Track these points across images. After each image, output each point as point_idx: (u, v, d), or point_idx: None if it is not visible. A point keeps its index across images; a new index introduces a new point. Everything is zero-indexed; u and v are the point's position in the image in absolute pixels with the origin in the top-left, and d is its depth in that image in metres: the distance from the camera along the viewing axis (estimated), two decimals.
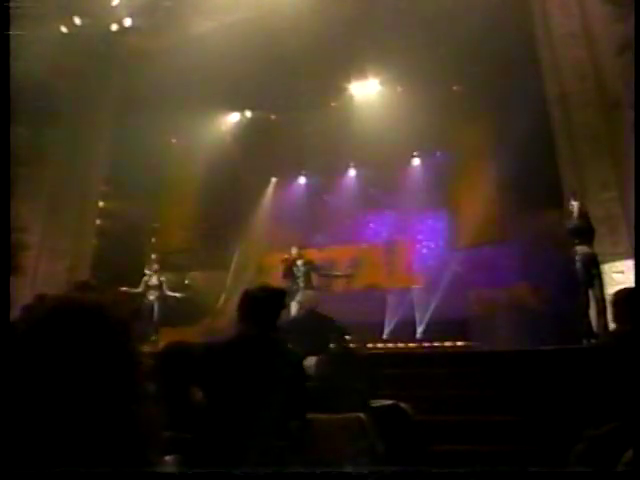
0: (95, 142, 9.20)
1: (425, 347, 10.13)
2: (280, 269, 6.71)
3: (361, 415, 2.59)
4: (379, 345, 10.38)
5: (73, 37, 8.02)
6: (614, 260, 5.83)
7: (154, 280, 8.24)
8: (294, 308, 6.23)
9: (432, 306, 10.03)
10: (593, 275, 5.05)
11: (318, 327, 4.31)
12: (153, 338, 7.52)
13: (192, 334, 10.09)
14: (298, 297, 6.27)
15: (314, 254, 11.01)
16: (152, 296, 8.01)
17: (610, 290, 5.87)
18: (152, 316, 7.88)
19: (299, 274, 6.38)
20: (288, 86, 8.60)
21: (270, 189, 11.70)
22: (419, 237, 11.32)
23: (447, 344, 10.13)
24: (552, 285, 7.95)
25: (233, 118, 10.53)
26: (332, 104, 9.76)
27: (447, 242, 10.78)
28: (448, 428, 4.28)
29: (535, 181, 8.31)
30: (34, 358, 0.96)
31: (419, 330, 10.21)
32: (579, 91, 6.59)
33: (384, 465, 2.70)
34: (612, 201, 6.04)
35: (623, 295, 3.00)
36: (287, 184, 11.77)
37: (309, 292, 5.04)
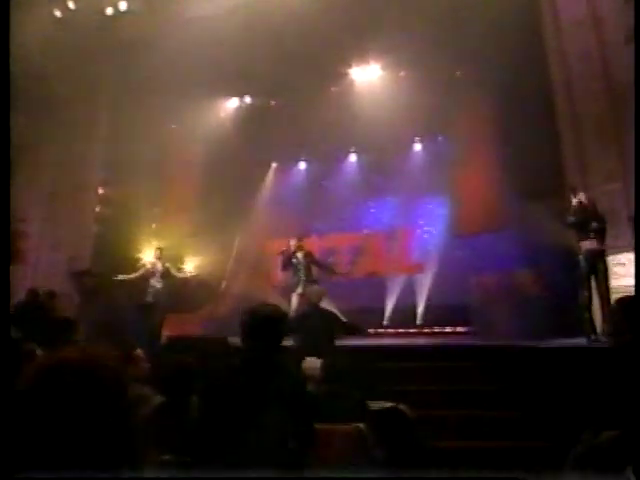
0: (93, 128, 9.10)
1: (425, 332, 10.23)
2: (279, 261, 6.63)
3: (360, 425, 2.60)
4: (380, 330, 10.48)
5: (68, 22, 7.84)
6: (616, 253, 5.79)
7: (159, 267, 7.75)
8: (294, 300, 6.24)
9: (432, 292, 10.04)
10: (597, 270, 5.01)
11: (322, 326, 4.30)
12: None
13: (195, 320, 10.18)
14: (299, 289, 6.27)
15: (314, 242, 11.02)
16: (159, 284, 7.57)
17: (612, 282, 5.87)
18: (158, 306, 7.45)
19: (299, 266, 6.36)
20: (288, 71, 8.43)
21: (270, 174, 11.61)
22: (420, 222, 11.28)
23: (447, 330, 10.23)
24: (553, 273, 7.92)
25: (232, 104, 10.37)
26: (332, 89, 9.58)
27: (448, 227, 10.73)
28: (445, 423, 4.31)
29: (538, 168, 8.23)
30: (29, 418, 0.97)
31: (419, 316, 10.26)
32: (585, 78, 6.46)
33: (383, 474, 2.73)
34: (615, 193, 5.97)
35: (622, 305, 2.97)
36: (287, 169, 11.67)
37: (315, 287, 5.00)
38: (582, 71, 6.51)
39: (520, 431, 4.22)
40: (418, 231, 11.21)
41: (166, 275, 7.72)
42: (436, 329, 10.20)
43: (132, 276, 7.79)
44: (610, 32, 6.17)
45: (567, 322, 6.69)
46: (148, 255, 10.38)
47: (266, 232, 11.32)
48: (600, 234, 5.08)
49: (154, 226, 10.97)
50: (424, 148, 10.81)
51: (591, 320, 4.95)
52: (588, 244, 5.10)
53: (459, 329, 9.96)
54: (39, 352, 4.38)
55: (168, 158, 9.95)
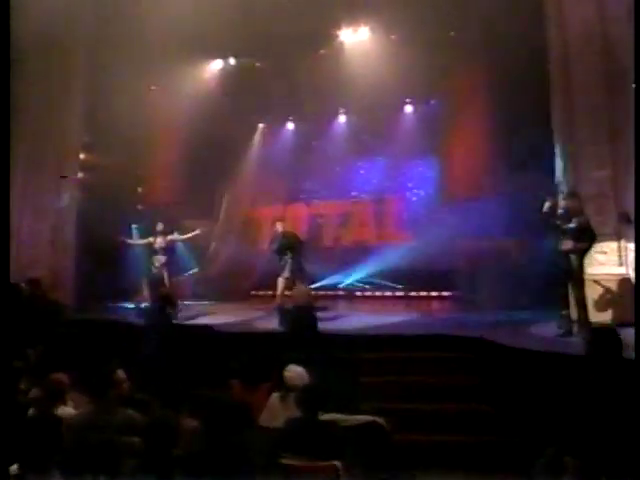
0: (70, 92, 8.67)
1: (411, 296, 10.45)
2: (272, 247, 6.55)
3: (335, 463, 2.70)
4: (367, 294, 10.71)
5: None
6: (599, 240, 5.80)
7: (160, 241, 7.25)
8: (280, 284, 6.28)
9: (419, 256, 10.11)
10: (572, 271, 5.03)
11: (304, 328, 4.34)
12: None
13: (185, 282, 10.27)
14: (285, 273, 6.29)
15: (302, 209, 10.97)
16: (158, 263, 7.16)
17: (592, 270, 5.95)
18: (164, 284, 7.01)
19: (286, 251, 6.33)
20: (273, 34, 7.99)
21: (257, 135, 11.31)
22: (409, 185, 11.20)
23: (433, 294, 10.47)
24: (539, 243, 7.97)
25: (216, 65, 9.88)
26: (321, 51, 9.13)
27: (437, 192, 10.67)
28: (419, 417, 4.47)
29: (530, 138, 8.09)
30: None
31: (406, 280, 10.43)
32: (583, 54, 6.19)
33: None
34: (604, 179, 5.90)
35: (596, 336, 3.02)
36: (275, 130, 11.37)
37: (301, 288, 5.02)
38: (581, 45, 6.21)
39: (492, 427, 4.40)
40: (407, 193, 11.15)
41: (170, 250, 7.36)
42: (422, 293, 10.44)
43: (139, 242, 7.58)
44: (612, 6, 5.85)
45: (550, 292, 6.82)
46: (134, 219, 10.32)
47: (253, 195, 11.21)
48: (577, 234, 5.01)
49: (140, 189, 10.80)
50: (415, 110, 10.52)
51: (569, 319, 5.04)
52: (564, 244, 5.09)
53: (444, 293, 10.20)
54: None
55: (151, 121, 9.59)
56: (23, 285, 5.65)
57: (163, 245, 7.20)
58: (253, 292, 10.70)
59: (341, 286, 10.66)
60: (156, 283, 7.00)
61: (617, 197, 5.79)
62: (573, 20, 6.35)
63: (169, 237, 7.32)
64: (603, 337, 2.99)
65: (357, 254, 10.38)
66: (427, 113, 10.31)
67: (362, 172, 11.40)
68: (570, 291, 5.11)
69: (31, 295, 5.48)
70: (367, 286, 10.66)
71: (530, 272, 7.77)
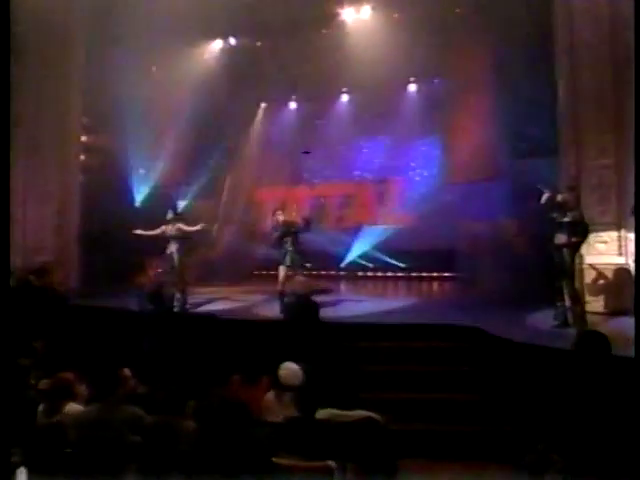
0: (70, 74, 8.60)
1: (412, 277, 10.54)
2: (274, 235, 6.55)
3: (329, 462, 2.80)
4: (369, 274, 10.82)
5: None
6: (600, 230, 5.82)
7: (170, 229, 7.13)
8: (282, 273, 6.34)
9: (421, 237, 10.13)
10: (564, 264, 5.03)
11: (305, 321, 4.40)
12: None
13: (188, 264, 10.36)
14: (286, 261, 6.34)
15: (305, 192, 10.96)
16: (174, 247, 7.08)
17: (591, 259, 5.97)
18: (174, 270, 7.00)
19: (286, 239, 6.35)
20: (274, 12, 7.82)
21: (260, 115, 11.22)
22: (412, 165, 11.13)
23: (434, 274, 10.54)
24: (541, 227, 7.97)
25: (216, 45, 9.71)
26: (323, 31, 8.94)
27: (440, 173, 10.61)
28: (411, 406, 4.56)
29: (535, 120, 7.99)
30: None
31: (407, 260, 10.49)
32: (590, 39, 6.04)
33: None
34: (607, 168, 5.85)
35: (586, 342, 3.05)
36: (277, 109, 11.26)
37: (301, 279, 5.07)
38: (588, 30, 6.06)
39: (481, 416, 4.49)
40: (410, 174, 11.08)
41: (179, 236, 7.21)
42: (424, 274, 10.51)
43: (150, 232, 7.41)
44: None
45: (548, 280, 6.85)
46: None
47: (256, 176, 11.19)
48: (571, 228, 4.99)
49: (142, 171, 10.79)
50: (419, 90, 10.37)
51: (564, 312, 5.08)
52: (558, 238, 5.09)
53: (445, 274, 10.27)
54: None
55: (152, 102, 9.50)
56: (31, 277, 5.69)
57: (174, 232, 7.14)
58: (256, 272, 10.81)
59: (343, 265, 10.74)
60: (166, 269, 7.03)
61: (619, 187, 5.76)
62: (580, 5, 6.18)
63: (177, 224, 7.22)
64: (591, 342, 3.01)
65: (359, 235, 10.43)
66: (431, 92, 10.16)
67: (365, 151, 11.33)
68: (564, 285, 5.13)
69: (39, 287, 5.55)
70: (370, 265, 10.74)
71: (530, 257, 7.81)
